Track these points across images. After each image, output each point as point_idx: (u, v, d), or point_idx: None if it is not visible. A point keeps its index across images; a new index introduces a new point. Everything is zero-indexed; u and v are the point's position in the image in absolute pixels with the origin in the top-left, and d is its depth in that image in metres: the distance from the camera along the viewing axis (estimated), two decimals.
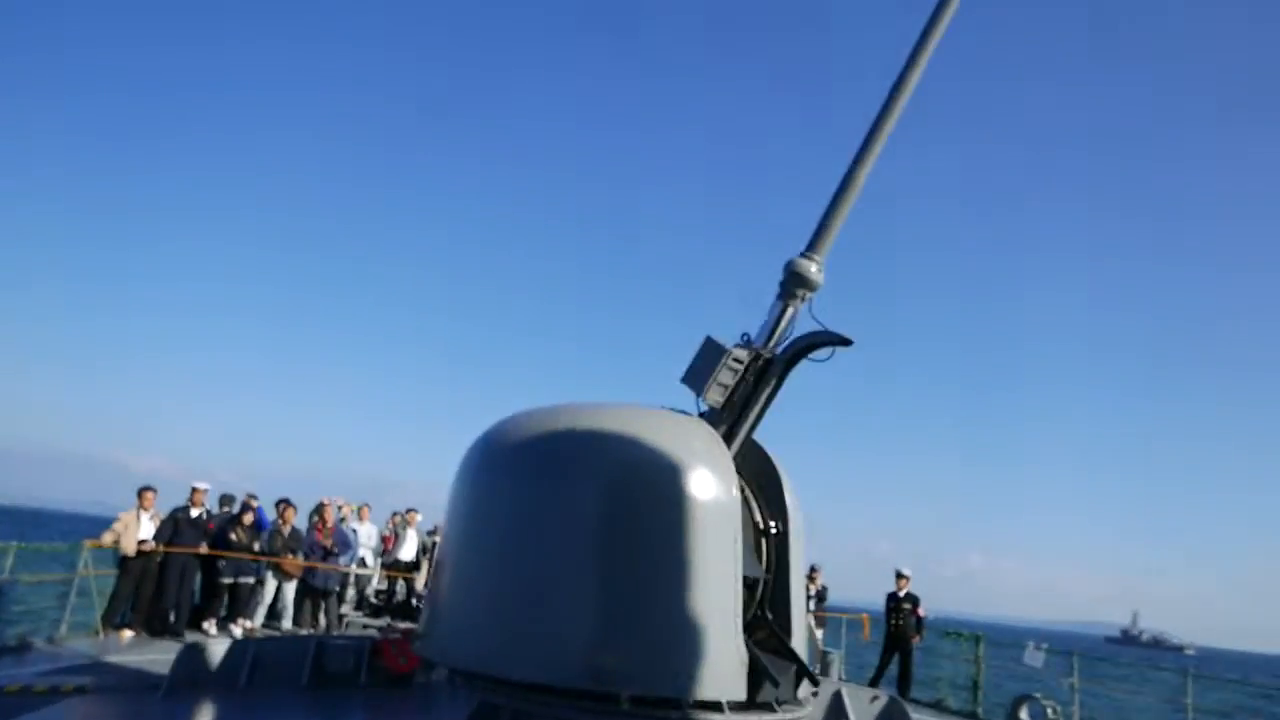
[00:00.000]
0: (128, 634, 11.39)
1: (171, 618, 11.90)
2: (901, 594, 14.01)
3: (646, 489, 5.14)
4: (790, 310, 5.98)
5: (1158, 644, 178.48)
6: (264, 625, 12.67)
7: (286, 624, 12.84)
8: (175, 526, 12.03)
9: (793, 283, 5.93)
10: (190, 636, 11.14)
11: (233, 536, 12.41)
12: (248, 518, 12.78)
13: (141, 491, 12.10)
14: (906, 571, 13.97)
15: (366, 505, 14.81)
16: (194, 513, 12.42)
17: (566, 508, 5.17)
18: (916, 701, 13.09)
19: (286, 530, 13.00)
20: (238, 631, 12.10)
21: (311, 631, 12.52)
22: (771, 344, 5.90)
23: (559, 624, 4.92)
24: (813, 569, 15.59)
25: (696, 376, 5.83)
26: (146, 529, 11.82)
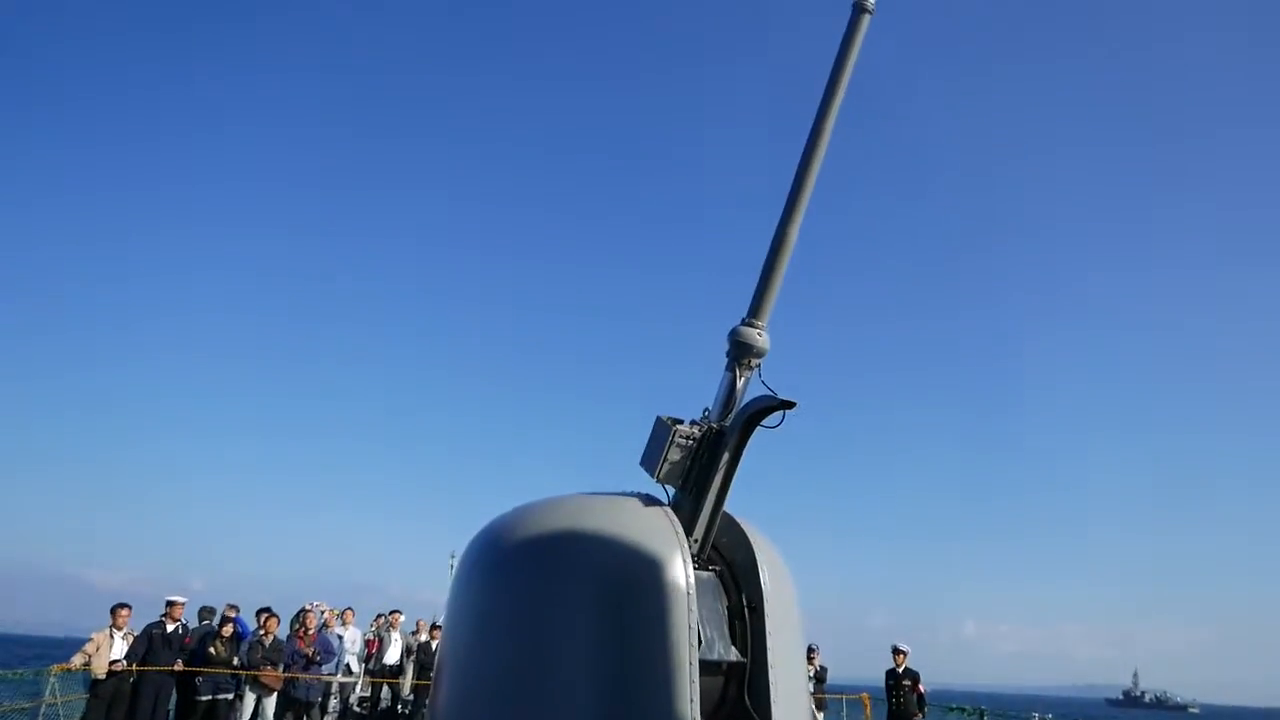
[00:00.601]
0: None
1: None
2: (900, 670, 13.78)
3: (620, 590, 5.05)
4: (741, 379, 5.70)
5: (1161, 704, 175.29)
6: None
7: None
8: (149, 644, 11.61)
9: (738, 351, 5.66)
10: None
11: (211, 651, 11.99)
12: (227, 630, 12.37)
13: (115, 609, 11.70)
14: (904, 647, 13.76)
15: (350, 609, 14.45)
16: (169, 628, 11.99)
17: (560, 613, 5.09)
18: None
19: (268, 640, 12.59)
20: None
21: None
22: (725, 416, 5.65)
23: None
24: (810, 649, 15.29)
25: (650, 458, 5.59)
26: (119, 648, 11.39)
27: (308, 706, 12.68)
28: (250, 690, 12.24)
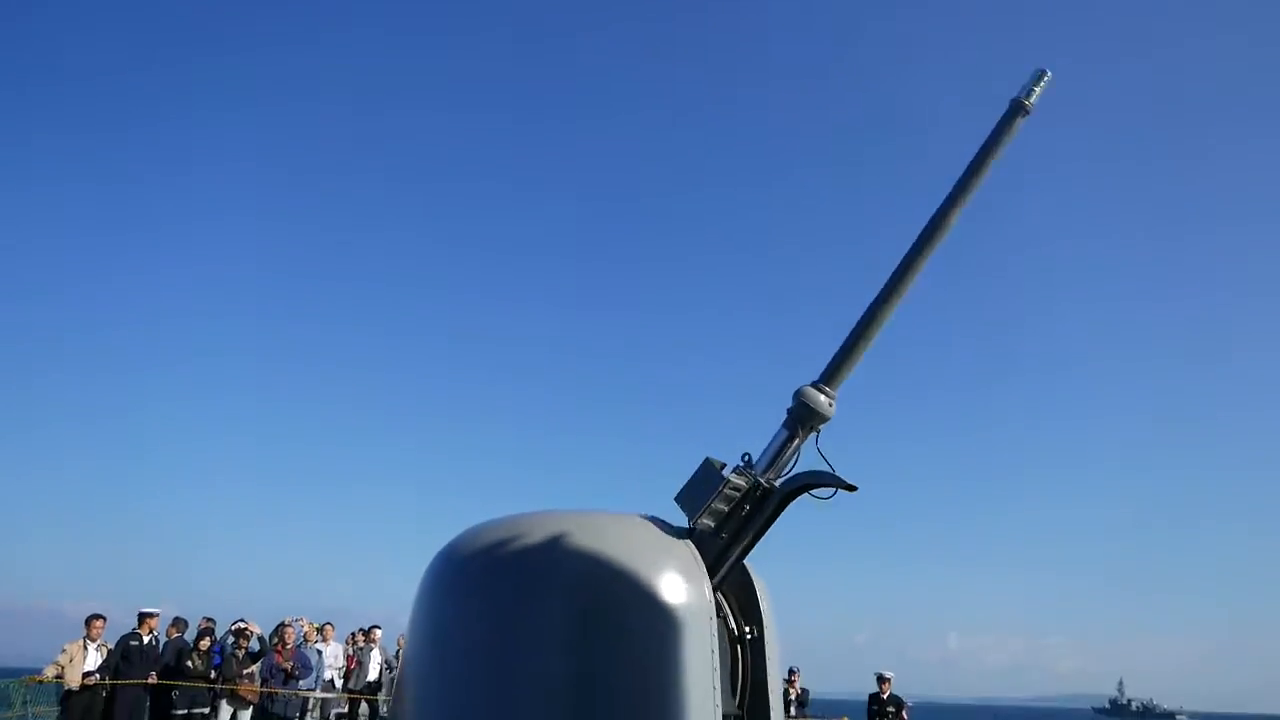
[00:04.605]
0: None
1: None
2: (885, 696, 13.72)
3: (611, 614, 4.86)
4: (796, 441, 5.49)
5: (1148, 712, 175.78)
6: None
7: None
8: (124, 655, 11.46)
9: (801, 413, 5.46)
10: None
11: (188, 663, 11.84)
12: (204, 643, 12.23)
13: (89, 620, 11.55)
14: (889, 674, 13.71)
15: (330, 625, 14.30)
16: (144, 639, 11.84)
17: (529, 632, 4.91)
18: None
19: (242, 654, 12.45)
20: None
21: None
22: (771, 474, 5.43)
23: None
24: (791, 671, 15.21)
25: (691, 499, 5.37)
26: (93, 659, 11.24)
27: None
28: (227, 704, 12.11)
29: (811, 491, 5.34)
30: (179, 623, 13.04)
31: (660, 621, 4.89)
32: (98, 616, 11.64)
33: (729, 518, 5.37)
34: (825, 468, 5.30)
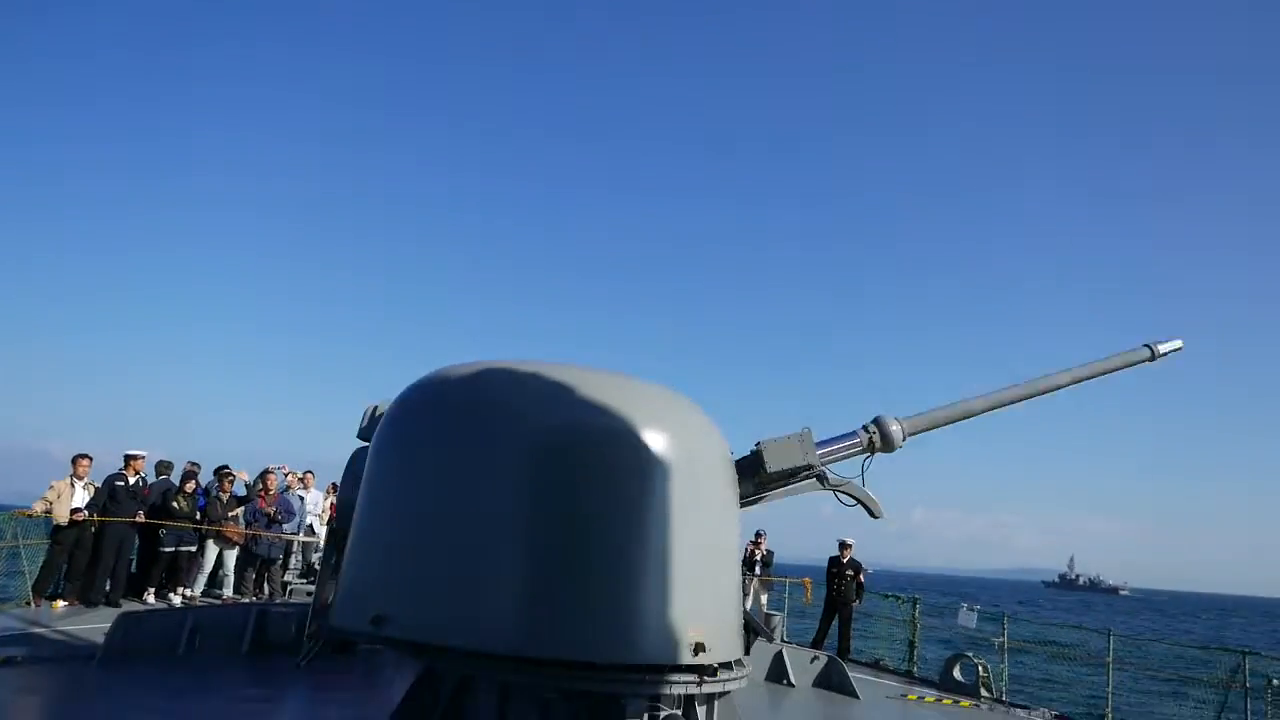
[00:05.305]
0: (61, 604, 11.17)
1: (107, 588, 11.69)
2: (845, 560, 14.42)
3: (600, 450, 4.81)
4: (858, 453, 6.51)
5: (1094, 586, 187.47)
6: (204, 594, 12.52)
7: (227, 592, 12.72)
8: (111, 494, 11.76)
9: (877, 436, 6.51)
10: (127, 606, 10.94)
11: (174, 504, 12.18)
12: (190, 485, 12.55)
13: (75, 459, 11.77)
14: (850, 540, 14.38)
15: (310, 472, 14.68)
16: (131, 480, 12.11)
17: (495, 471, 4.77)
18: (855, 662, 13.50)
19: (225, 497, 12.81)
20: (176, 600, 11.96)
21: (254, 600, 12.42)
22: (824, 459, 6.33)
23: (493, 591, 4.62)
24: (758, 534, 15.93)
25: (774, 446, 6.10)
26: (80, 497, 11.51)
27: (269, 563, 13.07)
28: (213, 544, 12.54)
29: (840, 494, 6.31)
30: (164, 465, 13.31)
31: (658, 463, 4.86)
32: (83, 456, 11.84)
33: (780, 473, 6.05)
34: (864, 485, 6.40)
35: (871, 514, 6.32)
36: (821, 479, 6.17)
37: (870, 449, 6.55)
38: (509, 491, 4.76)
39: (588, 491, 4.82)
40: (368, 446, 5.47)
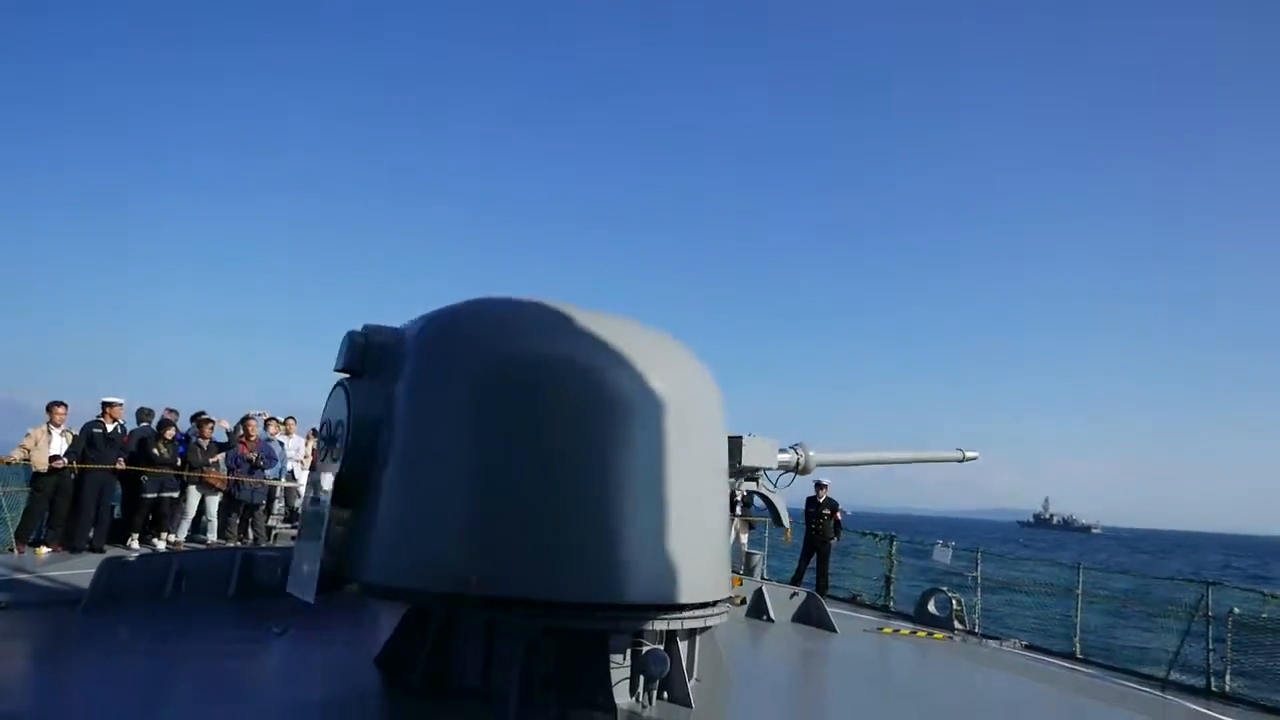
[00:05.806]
0: (45, 551, 11.17)
1: (91, 534, 11.70)
2: (821, 500, 14.68)
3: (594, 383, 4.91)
4: (785, 470, 8.88)
5: (1067, 525, 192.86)
6: (188, 540, 12.57)
7: (211, 537, 12.77)
8: (89, 442, 11.68)
9: (804, 458, 8.90)
10: (111, 552, 10.97)
11: (154, 451, 12.14)
12: (169, 432, 12.48)
13: (51, 406, 11.62)
14: (826, 481, 14.58)
15: (293, 418, 14.63)
16: (109, 427, 12.03)
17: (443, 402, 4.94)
18: (833, 597, 13.85)
19: (205, 444, 12.78)
20: (161, 546, 12.00)
21: (239, 544, 12.49)
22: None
23: (443, 532, 4.79)
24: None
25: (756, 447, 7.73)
26: (58, 444, 11.42)
27: (252, 508, 13.10)
28: (196, 490, 12.55)
29: (759, 495, 8.54)
30: (145, 413, 13.24)
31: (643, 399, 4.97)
32: (59, 403, 11.69)
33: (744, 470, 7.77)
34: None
35: (778, 523, 8.84)
36: (758, 481, 7.98)
37: (797, 468, 8.69)
38: (477, 426, 4.84)
39: (572, 428, 4.87)
40: (348, 378, 5.44)
